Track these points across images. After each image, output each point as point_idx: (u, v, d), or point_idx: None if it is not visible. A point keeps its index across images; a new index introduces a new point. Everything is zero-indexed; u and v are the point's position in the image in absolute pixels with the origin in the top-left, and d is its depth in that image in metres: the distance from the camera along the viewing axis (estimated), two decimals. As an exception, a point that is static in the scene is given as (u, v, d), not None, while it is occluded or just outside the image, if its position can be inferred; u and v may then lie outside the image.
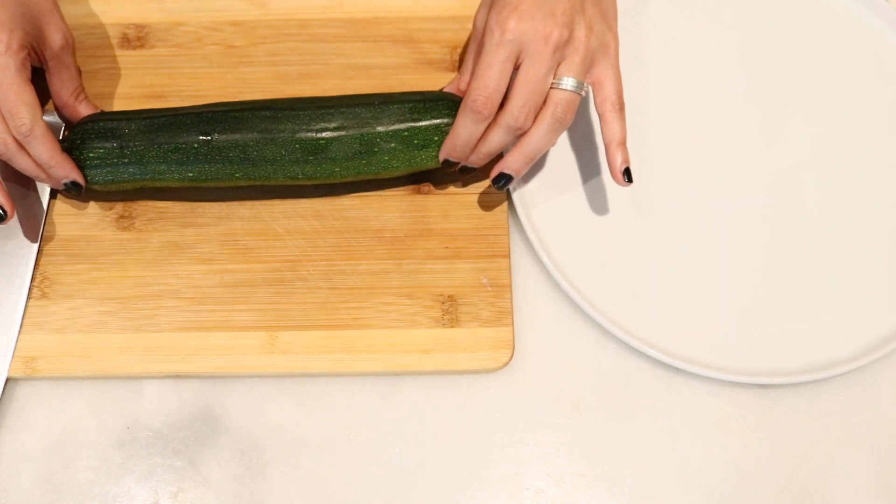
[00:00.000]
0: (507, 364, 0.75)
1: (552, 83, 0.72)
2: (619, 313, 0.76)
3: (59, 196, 0.80)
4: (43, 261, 0.78)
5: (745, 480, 0.73)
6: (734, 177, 0.82)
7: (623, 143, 0.74)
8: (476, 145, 0.75)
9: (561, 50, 0.71)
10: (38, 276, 0.77)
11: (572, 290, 0.76)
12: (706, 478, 0.73)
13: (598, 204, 0.81)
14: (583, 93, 0.72)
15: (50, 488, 0.73)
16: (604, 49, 0.73)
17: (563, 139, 0.83)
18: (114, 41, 0.85)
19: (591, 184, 0.81)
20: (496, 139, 0.74)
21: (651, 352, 0.75)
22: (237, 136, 0.75)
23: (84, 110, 0.79)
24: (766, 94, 0.85)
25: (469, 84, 0.73)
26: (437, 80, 0.84)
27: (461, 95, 0.77)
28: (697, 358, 0.75)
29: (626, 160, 0.74)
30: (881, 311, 0.77)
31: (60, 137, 0.80)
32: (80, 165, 0.75)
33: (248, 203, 0.79)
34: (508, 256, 0.78)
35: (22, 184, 0.79)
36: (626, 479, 0.73)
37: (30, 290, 0.76)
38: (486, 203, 0.80)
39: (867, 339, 0.76)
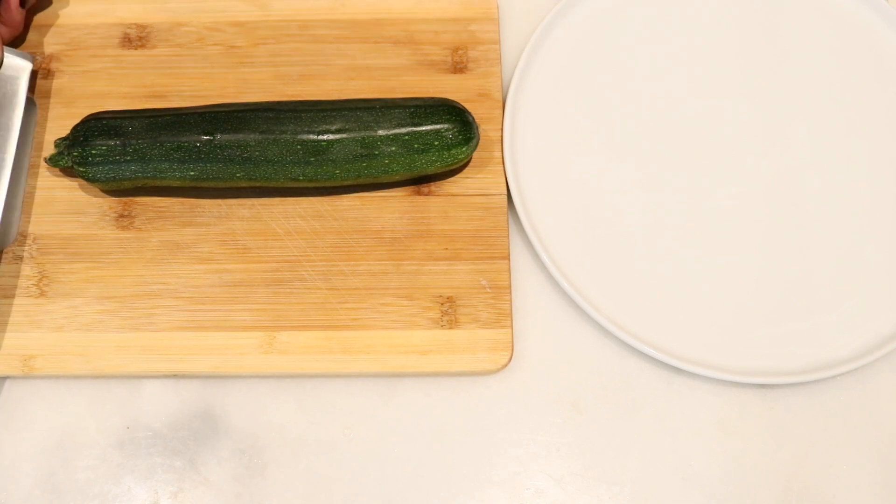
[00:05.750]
0: (505, 366, 0.75)
1: None
2: (619, 313, 0.76)
3: (58, 195, 0.80)
4: (42, 259, 0.78)
5: (745, 480, 0.73)
6: (734, 177, 0.82)
7: None
8: None
9: None
10: (36, 274, 0.77)
11: (572, 290, 0.76)
12: (706, 478, 0.73)
13: (599, 204, 0.80)
14: None
15: (50, 488, 0.73)
16: None
17: (564, 140, 0.83)
18: (115, 41, 0.85)
19: (591, 184, 0.81)
20: None
21: (651, 352, 0.75)
22: (239, 136, 0.75)
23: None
24: (766, 93, 0.85)
25: None
26: (437, 82, 0.84)
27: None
28: (697, 358, 0.75)
29: None
30: (881, 311, 0.77)
31: (29, 74, 0.82)
32: (83, 162, 0.76)
33: (248, 203, 0.79)
34: (508, 258, 0.78)
35: None
36: (626, 480, 0.73)
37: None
38: (486, 205, 0.80)
39: (867, 339, 0.76)
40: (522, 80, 0.84)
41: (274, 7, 0.87)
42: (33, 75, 0.83)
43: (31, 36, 0.85)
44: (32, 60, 0.82)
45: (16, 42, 0.85)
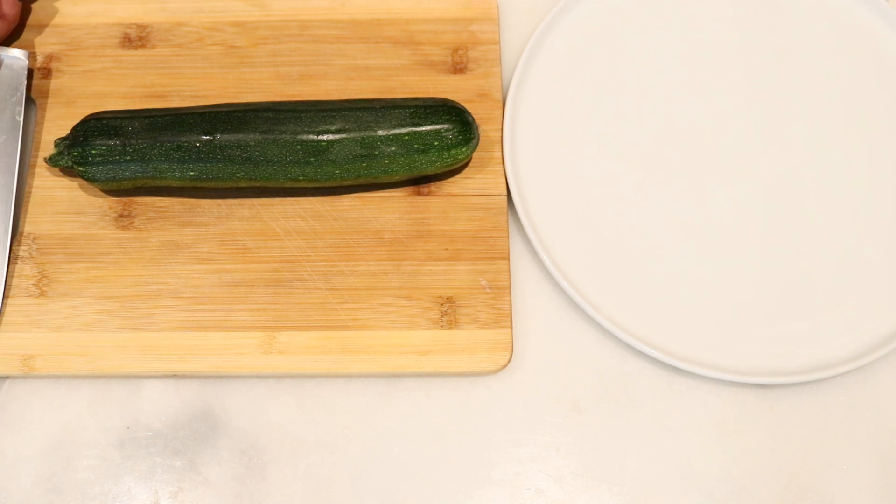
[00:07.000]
0: (505, 366, 0.75)
1: None
2: (619, 313, 0.76)
3: (58, 195, 0.80)
4: (41, 259, 0.78)
5: (745, 480, 0.73)
6: (734, 177, 0.82)
7: None
8: None
9: None
10: (36, 274, 0.77)
11: (572, 291, 0.76)
12: (706, 478, 0.73)
13: (599, 204, 0.80)
14: None
15: (50, 488, 0.73)
16: None
17: (564, 140, 0.83)
18: (115, 41, 0.85)
19: (591, 184, 0.81)
20: None
21: (651, 352, 0.75)
22: (239, 136, 0.75)
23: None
24: (765, 94, 0.85)
25: None
26: (437, 82, 0.84)
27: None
28: (697, 358, 0.75)
29: None
30: (881, 311, 0.77)
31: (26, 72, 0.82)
32: (83, 162, 0.76)
33: (248, 203, 0.79)
34: (508, 258, 0.78)
35: None
36: (626, 479, 0.73)
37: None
38: (485, 205, 0.80)
39: (867, 339, 0.76)
40: (522, 80, 0.84)
41: (274, 7, 0.87)
42: (30, 73, 0.83)
43: (31, 35, 0.85)
44: (27, 57, 0.82)
45: (11, 38, 0.85)
